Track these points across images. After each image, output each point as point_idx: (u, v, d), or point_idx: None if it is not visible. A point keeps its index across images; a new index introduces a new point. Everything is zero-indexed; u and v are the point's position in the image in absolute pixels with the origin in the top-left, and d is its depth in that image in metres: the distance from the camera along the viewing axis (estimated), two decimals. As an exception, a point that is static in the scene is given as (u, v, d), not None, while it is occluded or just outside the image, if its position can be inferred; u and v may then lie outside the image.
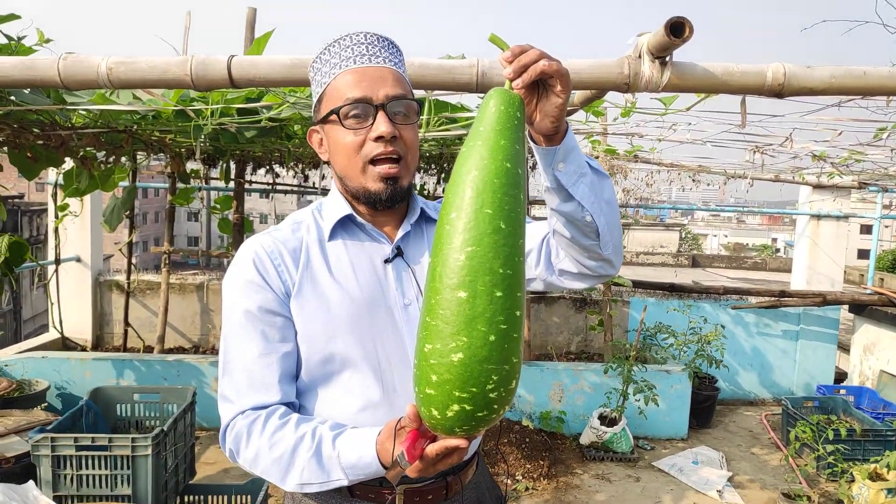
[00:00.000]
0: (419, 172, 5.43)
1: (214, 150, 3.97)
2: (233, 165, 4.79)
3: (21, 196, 21.29)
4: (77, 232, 5.34)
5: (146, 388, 3.25)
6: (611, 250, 1.12)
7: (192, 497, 2.89)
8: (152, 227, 36.88)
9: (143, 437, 2.49)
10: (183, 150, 3.88)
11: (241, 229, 4.92)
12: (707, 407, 4.86)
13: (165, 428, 2.61)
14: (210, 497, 2.89)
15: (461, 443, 0.90)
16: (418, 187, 5.80)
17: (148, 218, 36.35)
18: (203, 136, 2.65)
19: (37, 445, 2.45)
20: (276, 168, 5.28)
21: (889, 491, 3.43)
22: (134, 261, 5.39)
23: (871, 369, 5.32)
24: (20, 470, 2.66)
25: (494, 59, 1.64)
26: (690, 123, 3.12)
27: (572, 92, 1.43)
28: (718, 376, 5.17)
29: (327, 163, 1.22)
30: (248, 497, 2.83)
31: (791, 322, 5.54)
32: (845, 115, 2.92)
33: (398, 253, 1.17)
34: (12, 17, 2.30)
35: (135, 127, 2.98)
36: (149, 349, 5.25)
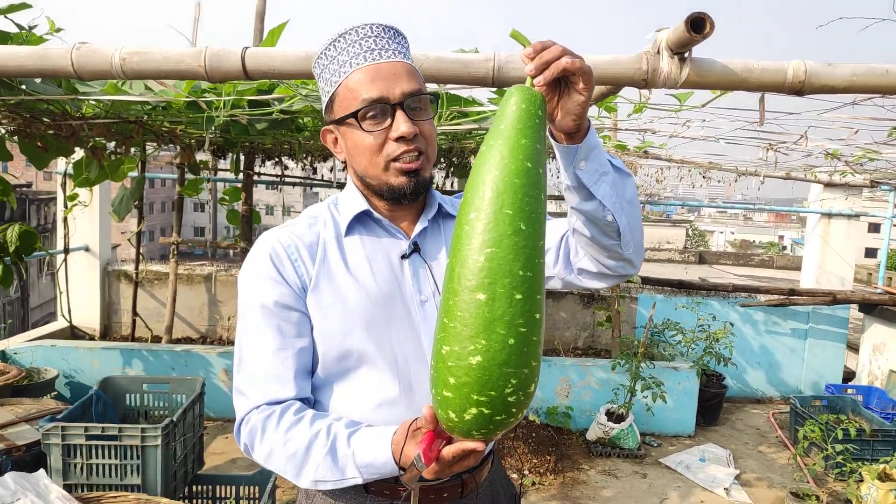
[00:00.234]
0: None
1: (224, 141, 3.97)
2: (241, 157, 4.78)
3: (29, 185, 21.38)
4: (86, 221, 5.35)
5: (155, 378, 3.26)
6: (632, 250, 1.10)
7: (200, 487, 2.90)
8: (158, 216, 37.02)
9: (152, 427, 2.50)
10: (193, 141, 3.88)
11: (249, 220, 4.92)
12: (714, 404, 4.85)
13: (175, 418, 2.62)
14: (218, 487, 2.90)
15: (478, 446, 0.89)
16: (426, 181, 5.77)
17: (154, 208, 36.47)
18: (214, 128, 2.64)
19: (47, 434, 2.46)
20: (285, 160, 5.28)
21: (898, 492, 3.41)
22: (141, 250, 5.40)
23: (880, 369, 5.29)
24: (30, 458, 2.67)
25: (511, 53, 1.62)
26: (704, 120, 3.09)
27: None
28: (726, 374, 5.15)
29: (344, 161, 1.20)
30: (257, 488, 2.84)
31: (800, 320, 5.51)
32: (860, 113, 2.89)
33: (415, 249, 1.16)
34: (24, 6, 2.29)
35: (145, 117, 2.97)
36: (157, 339, 5.27)
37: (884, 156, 3.90)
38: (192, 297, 5.69)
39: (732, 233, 51.38)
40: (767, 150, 3.58)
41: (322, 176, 5.78)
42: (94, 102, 2.71)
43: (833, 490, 3.83)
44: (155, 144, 4.18)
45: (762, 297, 5.46)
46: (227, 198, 5.19)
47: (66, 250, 5.14)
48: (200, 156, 4.74)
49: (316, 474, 1.02)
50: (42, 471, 2.33)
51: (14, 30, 2.31)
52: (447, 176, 5.56)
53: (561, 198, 5.61)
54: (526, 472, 3.84)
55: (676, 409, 4.56)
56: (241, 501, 2.85)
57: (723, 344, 4.54)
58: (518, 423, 0.90)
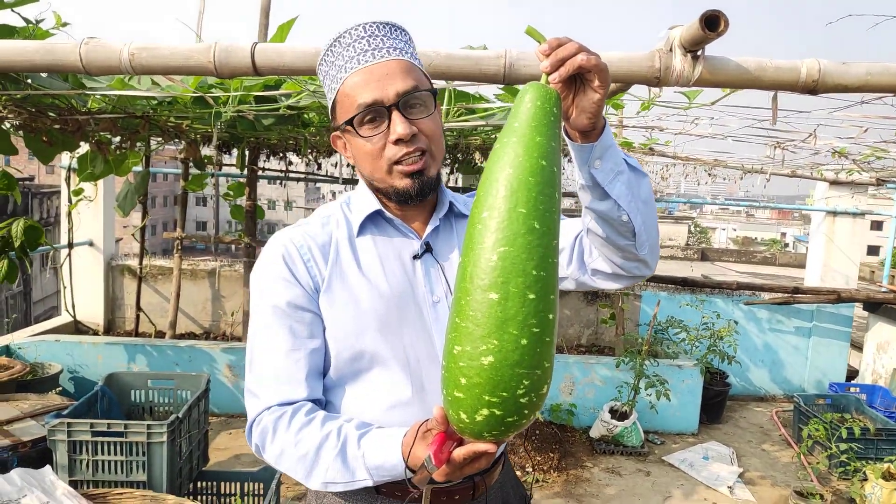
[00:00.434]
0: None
1: (230, 136, 3.96)
2: (245, 152, 4.77)
3: (31, 178, 21.39)
4: (90, 216, 5.35)
5: (160, 374, 3.25)
6: (647, 251, 1.09)
7: (205, 483, 2.90)
8: (161, 210, 37.03)
9: (158, 423, 2.50)
10: (198, 136, 3.87)
11: (253, 216, 4.91)
12: (718, 402, 4.85)
13: (180, 415, 2.62)
14: (223, 484, 2.90)
15: (489, 448, 0.88)
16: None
17: (157, 202, 36.49)
18: (220, 123, 2.63)
19: (53, 430, 2.46)
20: (289, 155, 5.27)
21: (902, 491, 3.40)
22: (145, 245, 5.40)
23: (884, 367, 5.28)
24: (36, 454, 2.67)
25: (522, 50, 1.61)
26: (713, 118, 3.07)
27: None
28: (729, 371, 5.14)
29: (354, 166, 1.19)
30: (261, 484, 2.85)
31: (804, 319, 5.50)
32: (869, 111, 2.87)
33: (427, 249, 1.15)
34: (31, -1, 2.28)
35: (151, 112, 2.96)
36: (160, 334, 5.27)
37: (891, 154, 3.89)
38: (196, 292, 5.69)
39: (735, 230, 51.33)
40: (775, 148, 3.56)
41: (327, 172, 5.77)
42: (99, 97, 2.70)
43: (837, 489, 3.83)
44: (160, 139, 4.17)
45: (766, 296, 5.45)
46: (231, 193, 5.18)
47: (71, 245, 5.14)
48: (204, 150, 4.73)
49: (326, 476, 1.02)
50: (48, 467, 2.33)
51: (21, 23, 2.30)
52: (451, 172, 5.55)
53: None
54: (529, 469, 3.84)
55: (680, 406, 4.56)
56: (246, 498, 2.85)
57: (727, 342, 4.53)
58: (530, 424, 0.89)
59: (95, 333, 5.38)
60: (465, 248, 0.88)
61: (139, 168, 4.67)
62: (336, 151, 4.64)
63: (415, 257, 1.14)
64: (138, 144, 3.46)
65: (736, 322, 4.88)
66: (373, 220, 1.16)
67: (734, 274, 12.44)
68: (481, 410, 0.84)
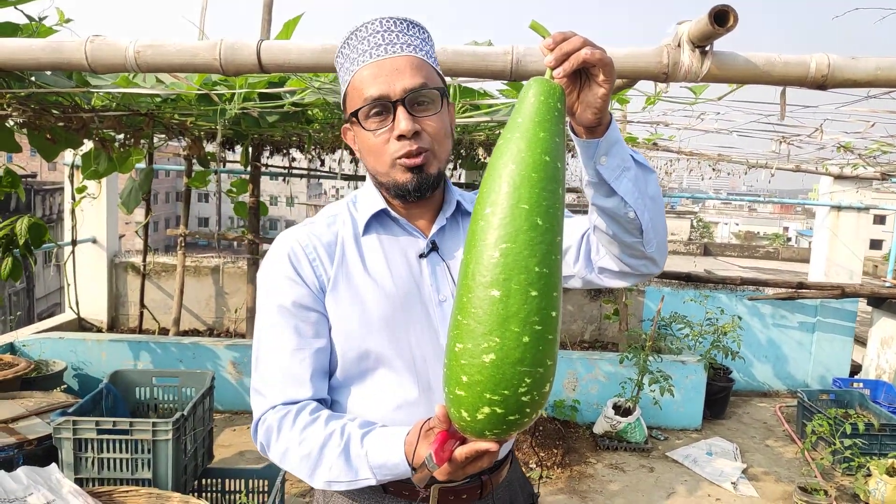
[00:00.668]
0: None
1: (234, 133, 3.95)
2: (249, 149, 4.77)
3: (34, 175, 21.39)
4: (93, 213, 5.34)
5: (165, 371, 3.26)
6: (654, 248, 1.08)
7: (210, 480, 2.90)
8: (163, 207, 37.07)
9: (163, 421, 2.50)
10: (202, 133, 3.86)
11: (256, 212, 4.91)
12: (721, 398, 4.84)
13: (185, 412, 2.62)
14: (228, 481, 2.91)
15: (491, 446, 0.88)
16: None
17: (159, 198, 36.51)
18: (225, 120, 2.63)
19: (59, 428, 2.46)
20: (292, 152, 5.26)
21: (907, 486, 3.40)
22: (148, 242, 5.40)
23: (888, 363, 5.27)
24: (42, 452, 2.68)
25: (529, 46, 1.60)
26: (719, 113, 3.06)
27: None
28: (733, 367, 5.14)
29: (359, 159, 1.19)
30: (266, 482, 2.85)
31: (808, 314, 5.49)
32: (876, 106, 2.85)
33: (433, 248, 1.15)
34: (34, -5, 2.27)
35: (155, 110, 2.96)
36: (164, 331, 5.28)
37: (896, 149, 3.87)
38: (199, 289, 5.69)
39: (737, 224, 51.28)
40: (780, 142, 3.55)
41: (330, 168, 5.76)
42: (103, 94, 2.69)
43: (841, 485, 3.82)
44: (163, 136, 4.17)
45: (770, 291, 5.44)
46: (234, 190, 5.18)
47: (74, 242, 5.14)
48: (207, 147, 4.72)
49: (329, 475, 1.02)
50: (54, 465, 2.34)
51: (24, 21, 2.29)
52: (455, 168, 5.53)
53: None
54: (533, 465, 3.84)
55: (684, 402, 4.56)
56: (250, 495, 2.85)
57: (731, 337, 4.52)
58: (532, 423, 0.88)
59: (99, 330, 5.39)
60: (467, 245, 0.87)
61: (142, 165, 4.66)
62: (339, 148, 4.64)
63: (421, 256, 1.14)
64: (142, 141, 3.46)
65: (740, 317, 4.86)
66: (378, 219, 1.15)
67: (737, 269, 12.43)
68: (482, 409, 0.83)
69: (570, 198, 6.13)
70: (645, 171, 1.04)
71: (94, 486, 2.46)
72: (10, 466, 2.51)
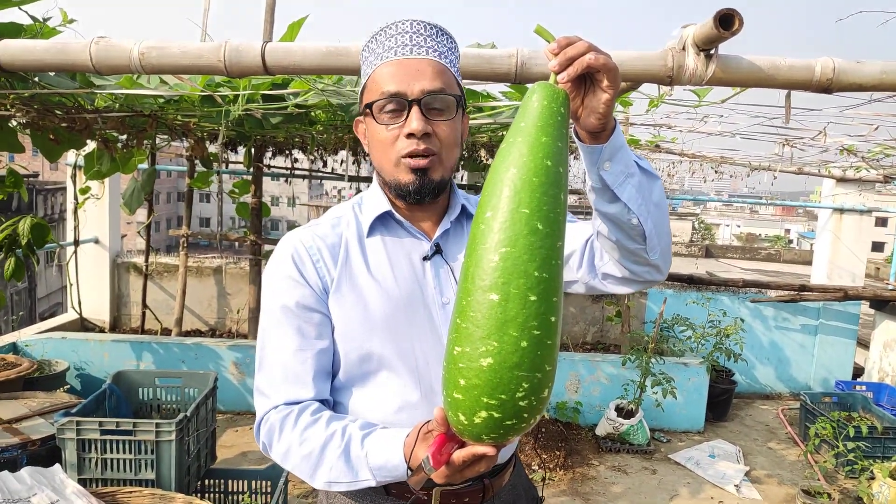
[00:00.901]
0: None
1: (237, 134, 3.96)
2: (252, 150, 4.77)
3: (36, 175, 21.40)
4: (95, 214, 5.35)
5: (168, 372, 3.26)
6: (658, 255, 1.07)
7: (213, 481, 2.90)
8: (164, 207, 37.09)
9: (167, 422, 2.50)
10: (205, 134, 3.87)
11: (259, 213, 4.91)
12: (724, 400, 4.84)
13: (188, 413, 2.62)
14: (231, 482, 2.91)
15: (489, 451, 0.87)
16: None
17: (160, 198, 36.53)
18: (228, 121, 2.63)
19: (62, 429, 2.46)
20: (295, 153, 5.26)
21: (910, 490, 3.39)
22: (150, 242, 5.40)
23: (890, 366, 5.27)
24: (45, 453, 2.68)
25: (534, 49, 1.60)
26: (722, 115, 3.06)
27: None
28: (735, 369, 5.14)
29: (368, 154, 1.19)
30: (269, 482, 2.85)
31: (810, 316, 5.49)
32: (880, 109, 2.85)
33: (437, 250, 1.15)
34: (38, -3, 2.27)
35: (159, 111, 2.96)
36: (166, 331, 5.29)
37: (900, 151, 3.87)
38: (202, 289, 5.70)
39: (738, 226, 51.23)
40: (783, 145, 3.55)
41: (332, 170, 5.76)
42: (107, 95, 2.70)
43: (844, 488, 3.82)
44: (166, 137, 4.17)
45: (772, 293, 5.43)
46: (236, 190, 5.18)
47: (77, 242, 5.14)
48: (210, 148, 4.73)
49: (329, 475, 1.02)
50: (58, 465, 2.33)
51: (28, 21, 2.29)
52: (457, 169, 5.54)
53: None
54: (535, 467, 3.84)
55: (686, 404, 4.55)
56: (253, 496, 2.85)
57: (733, 340, 4.52)
58: (531, 428, 0.88)
59: (101, 331, 5.39)
60: (468, 248, 0.87)
61: (145, 165, 4.67)
62: (341, 149, 4.64)
63: (425, 259, 1.14)
64: (145, 142, 3.46)
65: (742, 320, 4.87)
66: (383, 221, 1.15)
67: (738, 271, 12.42)
68: (480, 412, 0.83)
69: (571, 199, 6.13)
70: (649, 178, 1.04)
71: (97, 486, 2.46)
72: (13, 467, 2.51)
